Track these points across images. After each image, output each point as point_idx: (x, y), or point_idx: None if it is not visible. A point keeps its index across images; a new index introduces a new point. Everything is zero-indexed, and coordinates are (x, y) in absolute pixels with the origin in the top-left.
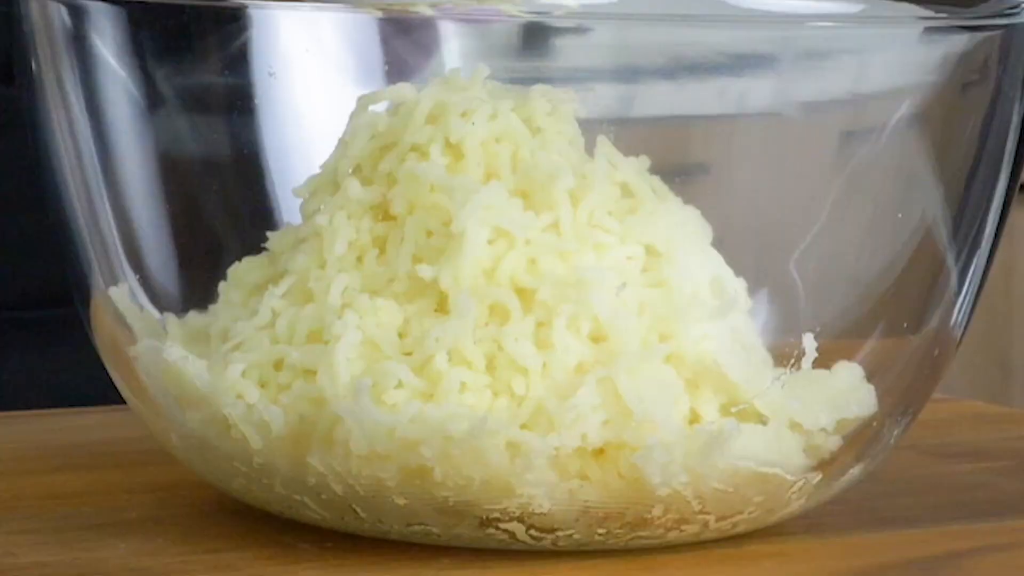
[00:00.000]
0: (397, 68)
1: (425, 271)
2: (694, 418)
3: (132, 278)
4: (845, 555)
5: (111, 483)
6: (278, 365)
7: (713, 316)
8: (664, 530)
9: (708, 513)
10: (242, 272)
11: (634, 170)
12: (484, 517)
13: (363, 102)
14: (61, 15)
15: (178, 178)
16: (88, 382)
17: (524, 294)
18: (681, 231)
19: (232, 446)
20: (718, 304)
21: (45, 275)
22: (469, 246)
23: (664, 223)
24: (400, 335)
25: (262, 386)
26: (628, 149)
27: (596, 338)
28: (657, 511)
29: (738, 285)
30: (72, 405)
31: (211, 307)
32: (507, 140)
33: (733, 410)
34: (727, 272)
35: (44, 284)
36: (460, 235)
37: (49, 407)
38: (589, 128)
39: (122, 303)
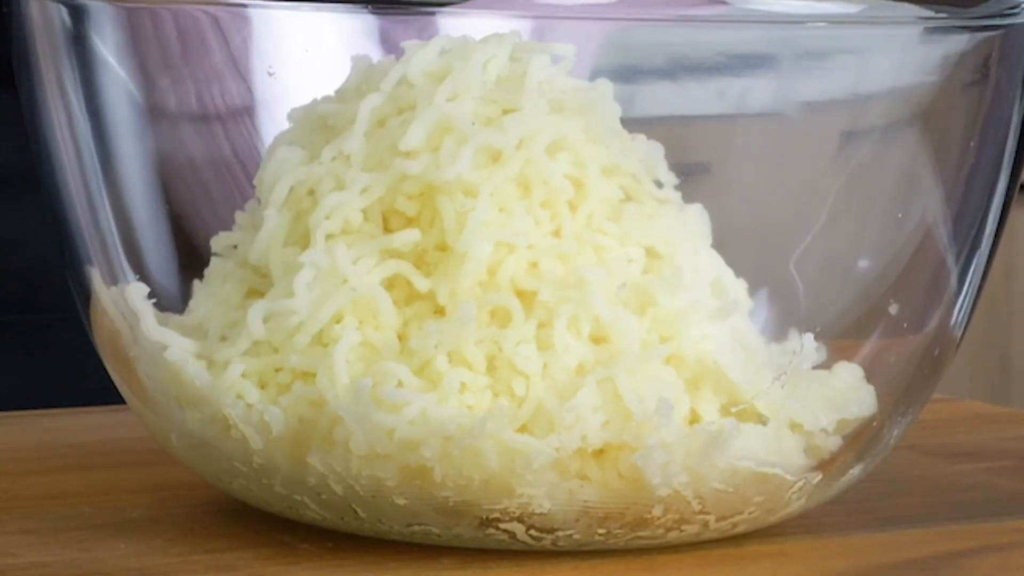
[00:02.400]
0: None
1: (421, 283)
2: (694, 418)
3: (132, 278)
4: (845, 555)
5: (111, 483)
6: (278, 367)
7: (714, 317)
8: (664, 530)
9: (708, 513)
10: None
11: (638, 166)
12: (484, 517)
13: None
14: (61, 15)
15: (178, 178)
16: (66, 388)
17: (525, 296)
18: (682, 232)
19: (232, 446)
20: (719, 305)
21: (21, 279)
22: (469, 264)
23: (664, 225)
24: (400, 338)
25: (262, 387)
26: None
27: (597, 339)
28: (657, 511)
29: (739, 286)
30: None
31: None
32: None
33: (733, 410)
34: (728, 273)
35: (20, 288)
36: (462, 255)
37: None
38: None
39: (122, 303)
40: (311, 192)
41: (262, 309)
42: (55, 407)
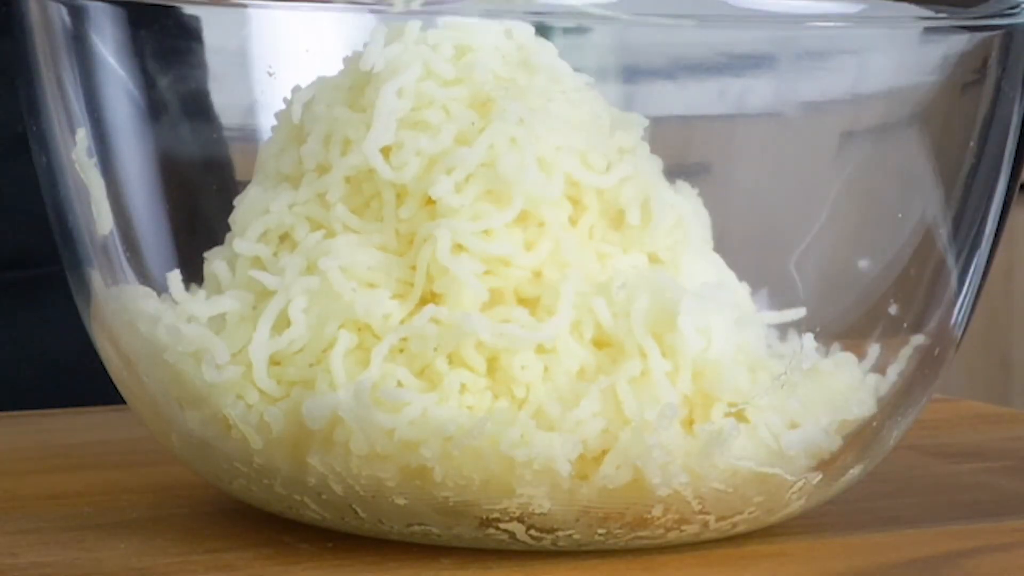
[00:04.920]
0: None
1: (427, 310)
2: (694, 419)
3: (132, 278)
4: (845, 555)
5: (111, 483)
6: (279, 376)
7: (715, 320)
8: (664, 530)
9: (708, 513)
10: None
11: (638, 174)
12: (484, 517)
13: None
14: (61, 15)
15: (178, 178)
16: (60, 346)
17: (527, 302)
18: (683, 237)
19: (232, 446)
20: (720, 309)
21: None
22: (467, 297)
23: (665, 230)
24: (400, 340)
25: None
26: None
27: (599, 343)
28: (657, 511)
29: (741, 289)
30: (43, 370)
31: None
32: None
33: (733, 410)
34: (730, 276)
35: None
36: (458, 284)
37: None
38: None
39: (123, 303)
40: (284, 237)
41: (265, 349)
42: (44, 365)
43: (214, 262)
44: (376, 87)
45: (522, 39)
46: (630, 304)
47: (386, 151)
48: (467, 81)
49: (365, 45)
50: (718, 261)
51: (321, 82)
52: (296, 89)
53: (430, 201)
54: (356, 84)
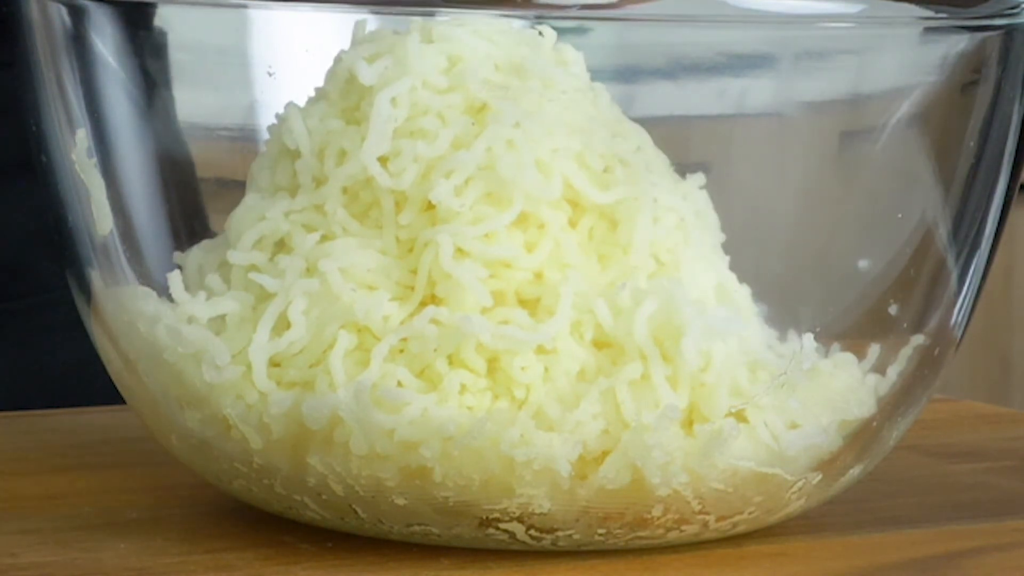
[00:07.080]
0: None
1: (427, 311)
2: (694, 420)
3: (132, 278)
4: (845, 555)
5: (111, 483)
6: (279, 378)
7: (716, 322)
8: (664, 530)
9: (708, 513)
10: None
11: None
12: (484, 517)
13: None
14: (61, 15)
15: (178, 178)
16: (43, 373)
17: (528, 303)
18: (684, 239)
19: (232, 446)
20: (722, 310)
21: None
22: (470, 301)
23: (667, 232)
24: (400, 341)
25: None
26: None
27: (599, 344)
28: (657, 511)
29: (742, 290)
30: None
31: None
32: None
33: (733, 410)
34: (731, 278)
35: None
36: (460, 289)
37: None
38: None
39: (123, 303)
40: (280, 243)
41: (265, 351)
42: (32, 395)
43: (209, 275)
44: (370, 99)
45: (514, 45)
46: (635, 307)
47: (383, 160)
48: (460, 89)
49: (343, 51)
50: (720, 261)
51: (310, 96)
52: (289, 106)
53: (429, 206)
54: (346, 94)
